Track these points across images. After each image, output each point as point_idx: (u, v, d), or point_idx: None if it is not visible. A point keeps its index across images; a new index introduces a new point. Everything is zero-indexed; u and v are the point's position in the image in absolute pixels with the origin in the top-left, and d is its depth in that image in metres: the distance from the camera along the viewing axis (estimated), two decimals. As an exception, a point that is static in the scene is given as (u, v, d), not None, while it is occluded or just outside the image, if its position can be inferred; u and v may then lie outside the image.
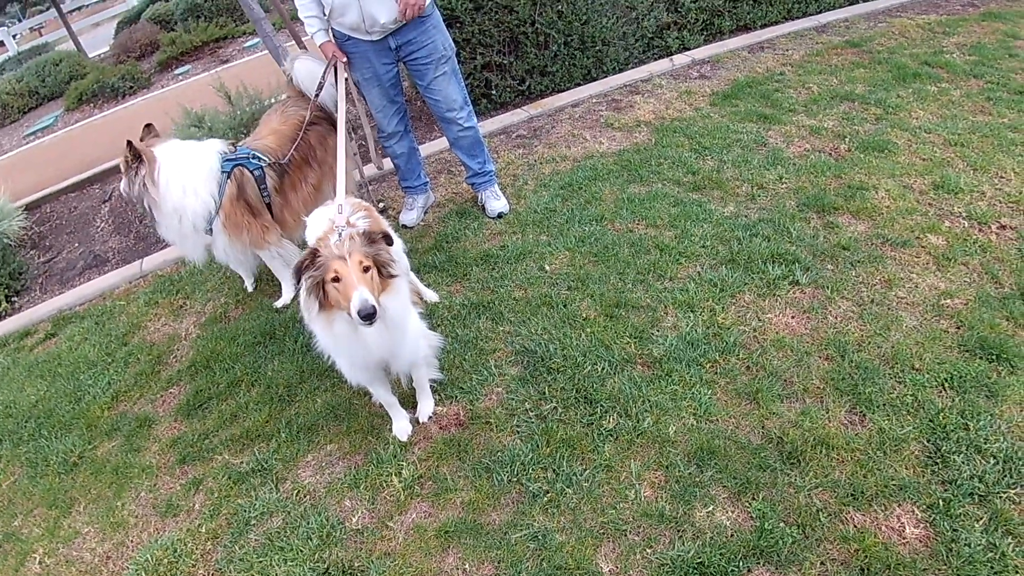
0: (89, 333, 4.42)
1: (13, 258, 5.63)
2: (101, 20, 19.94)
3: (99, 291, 4.94)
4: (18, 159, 9.35)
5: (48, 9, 18.65)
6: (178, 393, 3.69)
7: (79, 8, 20.64)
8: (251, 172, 3.66)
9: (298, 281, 2.44)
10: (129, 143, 3.47)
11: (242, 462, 3.13)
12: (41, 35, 19.25)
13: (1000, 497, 2.36)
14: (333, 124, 3.83)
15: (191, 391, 3.64)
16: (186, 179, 3.55)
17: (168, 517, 3.00)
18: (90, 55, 13.78)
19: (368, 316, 2.29)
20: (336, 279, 2.37)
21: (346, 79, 3.80)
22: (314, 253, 2.41)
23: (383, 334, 2.54)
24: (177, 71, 11.37)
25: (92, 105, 10.78)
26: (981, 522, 2.31)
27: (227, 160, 3.63)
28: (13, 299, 5.37)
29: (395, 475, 2.85)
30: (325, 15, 3.78)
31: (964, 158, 4.20)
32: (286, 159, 3.78)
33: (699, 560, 2.32)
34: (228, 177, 3.61)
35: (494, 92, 5.88)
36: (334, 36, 3.92)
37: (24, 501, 3.34)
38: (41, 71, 12.33)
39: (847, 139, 4.57)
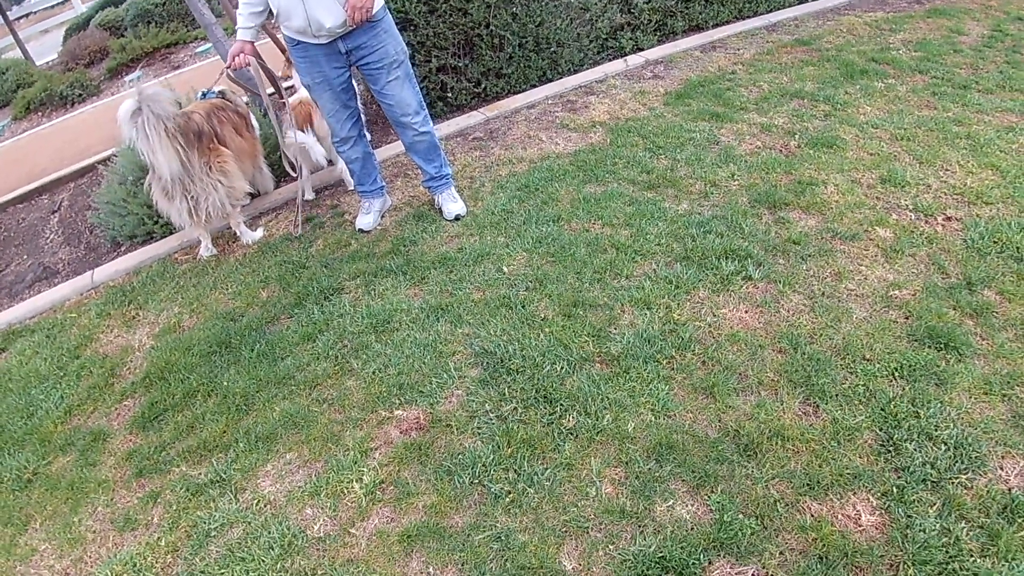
0: (40, 347, 4.31)
1: (-41, 272, 5.48)
2: (49, 27, 19.47)
3: (49, 304, 4.82)
4: (-36, 171, 9.10)
5: (-8, 17, 18.17)
6: (132, 406, 3.62)
7: (26, 15, 20.15)
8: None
9: None
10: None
11: (200, 473, 3.08)
12: (-14, 43, 18.75)
13: (952, 483, 2.42)
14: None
15: (146, 403, 3.57)
16: None
17: (126, 531, 2.94)
18: (38, 63, 13.42)
19: None
20: None
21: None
22: None
23: None
24: (128, 78, 11.14)
25: (40, 114, 10.52)
26: (934, 508, 2.36)
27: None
28: (-40, 314, 5.21)
29: (356, 481, 2.83)
30: (259, 18, 3.80)
31: (910, 152, 4.30)
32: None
33: (661, 555, 2.34)
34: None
35: (450, 95, 5.87)
36: (285, 39, 3.89)
37: (-24, 521, 3.25)
38: (-13, 80, 12.01)
39: (797, 136, 4.65)
